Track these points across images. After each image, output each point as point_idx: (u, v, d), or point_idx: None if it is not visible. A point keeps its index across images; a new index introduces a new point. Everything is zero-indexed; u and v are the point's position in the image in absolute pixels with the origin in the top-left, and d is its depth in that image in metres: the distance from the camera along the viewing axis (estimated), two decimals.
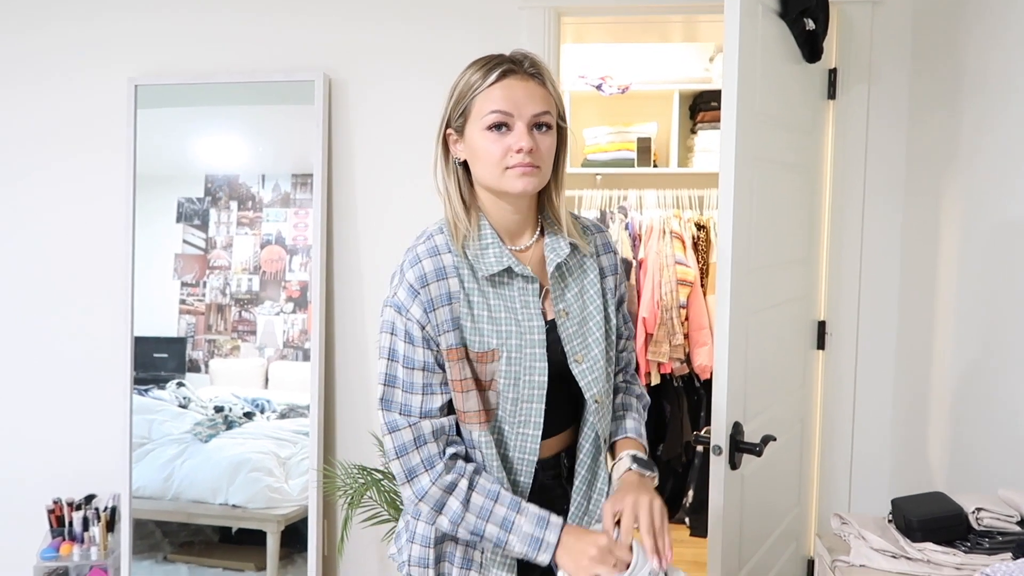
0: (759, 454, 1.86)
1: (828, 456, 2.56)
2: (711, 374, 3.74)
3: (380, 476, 2.38)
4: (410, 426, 1.24)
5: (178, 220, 2.67)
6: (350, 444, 2.70)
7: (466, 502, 1.20)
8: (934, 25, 2.29)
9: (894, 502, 1.56)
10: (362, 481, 2.35)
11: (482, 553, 1.27)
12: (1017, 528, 1.46)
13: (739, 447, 1.87)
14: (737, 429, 1.88)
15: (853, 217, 2.48)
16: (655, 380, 3.75)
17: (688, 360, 3.76)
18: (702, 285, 3.77)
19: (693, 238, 3.81)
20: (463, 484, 1.20)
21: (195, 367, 2.71)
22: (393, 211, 2.62)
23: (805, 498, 2.55)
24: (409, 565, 1.30)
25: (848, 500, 2.55)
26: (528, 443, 1.26)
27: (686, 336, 3.73)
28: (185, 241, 2.68)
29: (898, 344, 2.48)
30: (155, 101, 2.65)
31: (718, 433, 1.85)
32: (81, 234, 2.73)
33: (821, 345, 2.54)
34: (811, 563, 2.61)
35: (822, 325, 2.53)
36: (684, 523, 3.78)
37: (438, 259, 1.27)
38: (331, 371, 2.69)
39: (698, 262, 3.78)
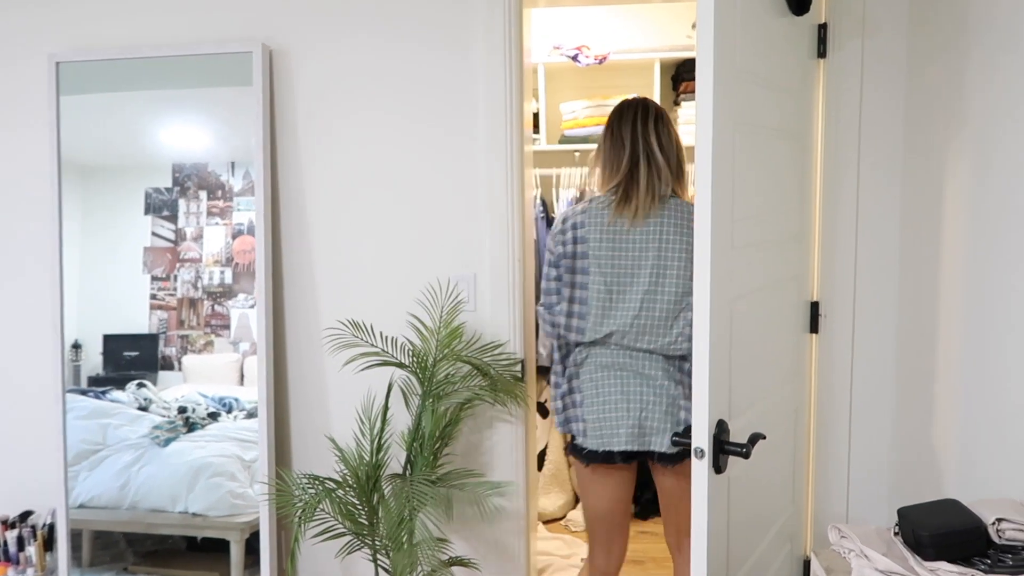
0: (747, 455, 1.64)
1: (824, 450, 2.36)
2: None
3: (334, 486, 2.17)
4: None
5: (146, 212, 2.55)
6: (307, 449, 2.49)
7: None
8: None
9: (901, 512, 1.36)
10: (312, 492, 2.13)
11: None
12: None
13: (724, 448, 1.66)
14: (722, 428, 1.67)
15: (847, 187, 2.26)
16: None
17: None
18: None
19: None
20: None
21: (168, 364, 2.60)
22: (347, 193, 2.39)
23: (800, 496, 2.35)
24: None
25: (846, 498, 2.35)
26: None
27: None
28: (154, 234, 2.56)
29: (899, 326, 2.27)
30: (106, 83, 2.48)
31: (699, 434, 1.63)
32: (4, 225, 2.51)
33: (814, 328, 2.32)
34: (807, 563, 2.41)
35: (815, 306, 2.32)
36: None
37: None
38: (282, 369, 2.48)
39: None
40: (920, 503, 1.36)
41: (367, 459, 2.19)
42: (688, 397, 2.02)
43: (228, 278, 2.53)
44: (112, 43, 2.41)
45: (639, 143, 2.08)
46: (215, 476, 2.53)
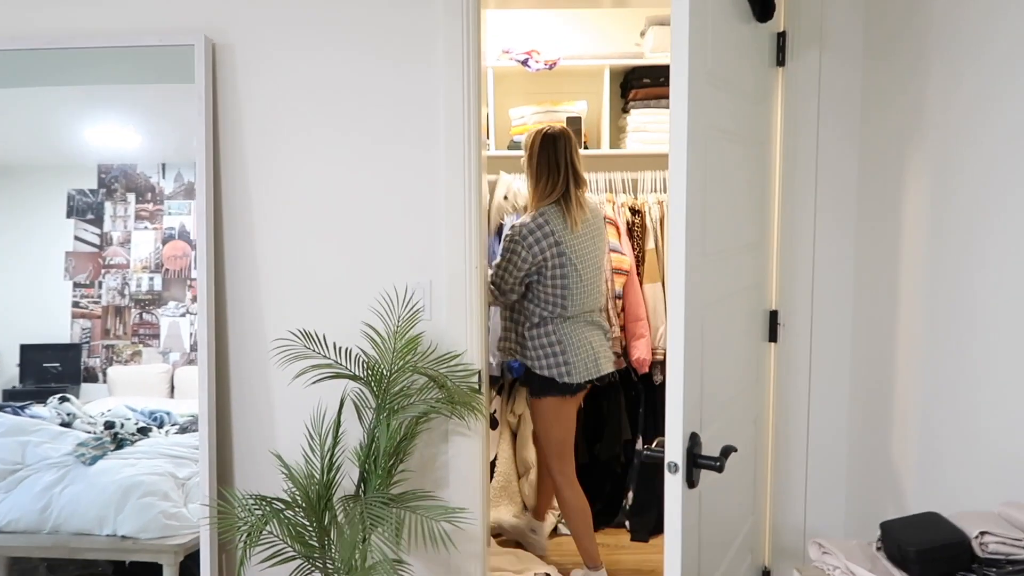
0: (720, 469, 1.60)
1: (782, 460, 2.35)
2: (650, 368, 3.56)
3: (282, 506, 2.04)
4: None
5: (69, 215, 2.42)
6: (253, 466, 2.35)
7: None
8: None
9: (884, 527, 1.33)
10: (259, 513, 2.00)
11: None
12: None
13: (697, 463, 1.61)
14: (694, 441, 1.62)
15: (806, 195, 2.26)
16: None
17: (625, 354, 3.52)
18: (638, 273, 3.54)
19: (628, 224, 3.57)
20: None
21: (92, 376, 2.47)
22: (296, 196, 2.27)
23: (759, 506, 2.33)
24: None
25: (804, 508, 2.35)
26: None
27: (623, 328, 3.49)
28: (77, 238, 2.42)
29: (853, 336, 2.28)
30: (32, 76, 2.29)
31: (673, 448, 1.58)
32: None
33: (773, 337, 2.31)
34: (766, 573, 2.40)
35: (774, 315, 2.31)
36: (624, 527, 3.55)
37: None
38: (224, 381, 2.33)
39: (633, 249, 3.55)
40: (901, 517, 1.34)
41: (317, 477, 2.08)
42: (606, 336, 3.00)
43: (158, 285, 2.41)
44: (41, 32, 2.23)
45: (570, 168, 2.83)
46: (146, 496, 2.38)
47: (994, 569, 1.23)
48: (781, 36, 2.21)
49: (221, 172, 2.27)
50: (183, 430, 2.51)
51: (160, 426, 2.55)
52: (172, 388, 2.51)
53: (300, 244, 2.27)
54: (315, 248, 2.27)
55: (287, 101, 2.24)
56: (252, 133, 2.25)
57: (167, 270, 2.40)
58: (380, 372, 2.07)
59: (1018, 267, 1.53)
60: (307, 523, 2.06)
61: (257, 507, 2.03)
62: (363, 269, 2.27)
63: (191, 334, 2.43)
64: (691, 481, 1.62)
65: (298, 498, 2.04)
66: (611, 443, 3.55)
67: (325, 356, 2.10)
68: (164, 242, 2.40)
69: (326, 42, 2.21)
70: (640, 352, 3.48)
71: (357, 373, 2.09)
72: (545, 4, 3.43)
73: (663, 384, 3.65)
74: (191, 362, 2.44)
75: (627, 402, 3.62)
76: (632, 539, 3.48)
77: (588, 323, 2.89)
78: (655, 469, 3.53)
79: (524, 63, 3.62)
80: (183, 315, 2.43)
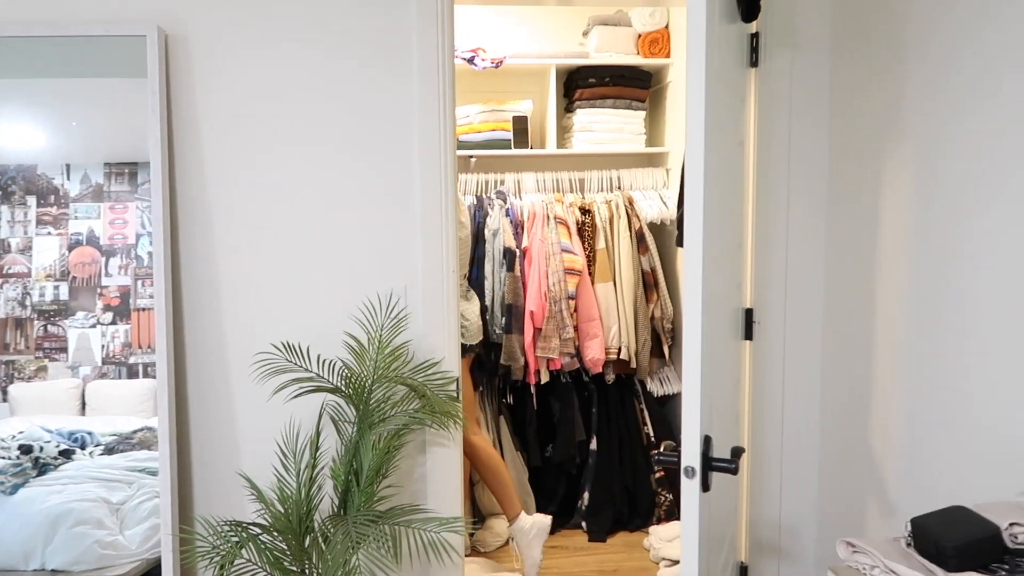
0: (735, 471, 1.59)
1: (759, 456, 2.38)
2: (603, 367, 3.57)
3: (259, 530, 1.91)
4: None
5: None
6: (212, 489, 2.19)
7: None
8: None
9: (915, 522, 1.35)
10: (236, 540, 1.86)
11: None
12: None
13: (712, 465, 1.60)
14: (708, 444, 1.61)
15: (778, 195, 2.30)
16: (544, 378, 3.47)
17: (579, 354, 3.51)
18: (590, 273, 3.54)
19: (578, 223, 3.56)
20: None
21: None
22: (256, 199, 2.12)
23: (738, 502, 2.35)
24: None
25: (779, 504, 2.39)
26: None
27: (576, 329, 3.48)
28: None
29: (824, 334, 2.33)
30: None
31: (690, 452, 1.56)
32: None
33: (749, 335, 2.34)
34: (744, 568, 2.43)
35: (749, 313, 2.33)
36: (581, 528, 3.54)
37: None
38: (182, 398, 2.17)
39: (584, 249, 3.54)
40: (930, 512, 1.36)
41: (295, 497, 1.95)
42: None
43: (64, 294, 2.23)
44: None
45: None
46: (78, 524, 2.20)
47: None
48: (755, 37, 2.23)
49: (176, 174, 2.10)
50: (109, 451, 2.32)
51: (83, 447, 2.35)
52: (83, 405, 2.30)
53: (263, 251, 2.13)
54: (279, 254, 2.14)
55: (251, 99, 2.09)
56: (211, 131, 2.10)
57: (74, 278, 2.23)
58: (362, 384, 1.96)
59: (1006, 258, 1.58)
60: (285, 547, 1.93)
61: (232, 532, 1.89)
62: (334, 276, 2.15)
63: (103, 345, 2.26)
64: (706, 485, 1.60)
65: (276, 519, 1.91)
66: (565, 445, 3.53)
67: (305, 369, 1.98)
68: (70, 248, 2.22)
69: (295, 39, 2.08)
70: (594, 352, 3.48)
71: (339, 385, 1.97)
72: (491, 1, 3.37)
73: (616, 383, 3.66)
74: (103, 376, 2.27)
75: (580, 403, 3.62)
76: (590, 540, 3.47)
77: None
78: (610, 470, 3.54)
79: (470, 61, 3.56)
80: (93, 326, 2.25)
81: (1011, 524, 1.29)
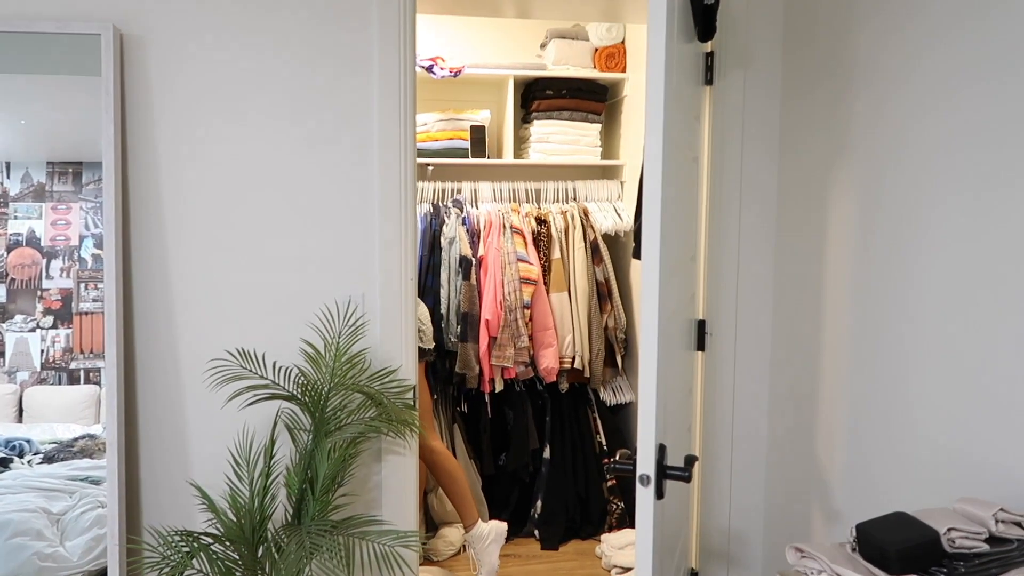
0: (688, 479, 1.63)
1: (709, 465, 2.43)
2: (557, 376, 3.60)
3: (210, 541, 1.88)
4: None
5: None
6: (160, 498, 2.15)
7: None
8: (806, 5, 2.20)
9: (860, 528, 1.40)
10: (187, 550, 1.83)
11: None
12: (986, 546, 1.35)
13: (667, 473, 1.63)
14: (662, 453, 1.64)
15: (731, 210, 2.36)
16: (499, 387, 3.49)
17: (533, 363, 3.54)
18: (545, 283, 3.57)
19: (534, 233, 3.60)
20: None
21: None
22: (211, 202, 2.10)
23: (689, 510, 2.40)
24: None
25: (728, 510, 2.44)
26: None
27: (531, 338, 3.51)
28: None
29: (773, 346, 2.40)
30: None
31: (645, 460, 1.59)
32: None
33: (701, 346, 2.39)
34: (695, 575, 2.48)
35: (702, 324, 2.39)
36: (534, 536, 3.56)
37: None
38: (131, 404, 2.12)
39: (540, 259, 3.58)
40: (874, 518, 1.41)
41: (247, 506, 1.93)
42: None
43: (1, 296, 2.17)
44: None
45: None
46: (17, 535, 2.13)
47: (962, 563, 1.32)
48: (709, 56, 2.29)
49: (129, 174, 2.07)
50: (49, 459, 2.26)
51: (20, 456, 2.29)
52: (20, 411, 2.24)
53: (218, 255, 2.11)
54: (235, 259, 2.11)
55: (208, 101, 2.07)
56: (166, 132, 2.07)
57: (13, 280, 2.17)
58: (318, 391, 1.95)
59: (942, 275, 1.66)
60: (237, 557, 1.90)
61: (183, 542, 1.86)
62: (291, 282, 2.13)
63: (43, 350, 2.20)
64: (660, 492, 1.63)
65: (229, 529, 1.89)
66: (519, 452, 3.55)
67: (260, 376, 1.96)
68: (9, 249, 2.16)
69: (254, 42, 2.06)
70: (548, 361, 3.51)
71: (295, 393, 1.96)
72: (450, 11, 3.39)
73: (570, 392, 3.70)
74: (42, 381, 2.21)
75: (534, 411, 3.64)
76: (542, 548, 3.49)
77: None
78: (563, 478, 3.57)
79: (429, 69, 3.57)
80: (32, 330, 2.19)
81: (949, 529, 1.34)
